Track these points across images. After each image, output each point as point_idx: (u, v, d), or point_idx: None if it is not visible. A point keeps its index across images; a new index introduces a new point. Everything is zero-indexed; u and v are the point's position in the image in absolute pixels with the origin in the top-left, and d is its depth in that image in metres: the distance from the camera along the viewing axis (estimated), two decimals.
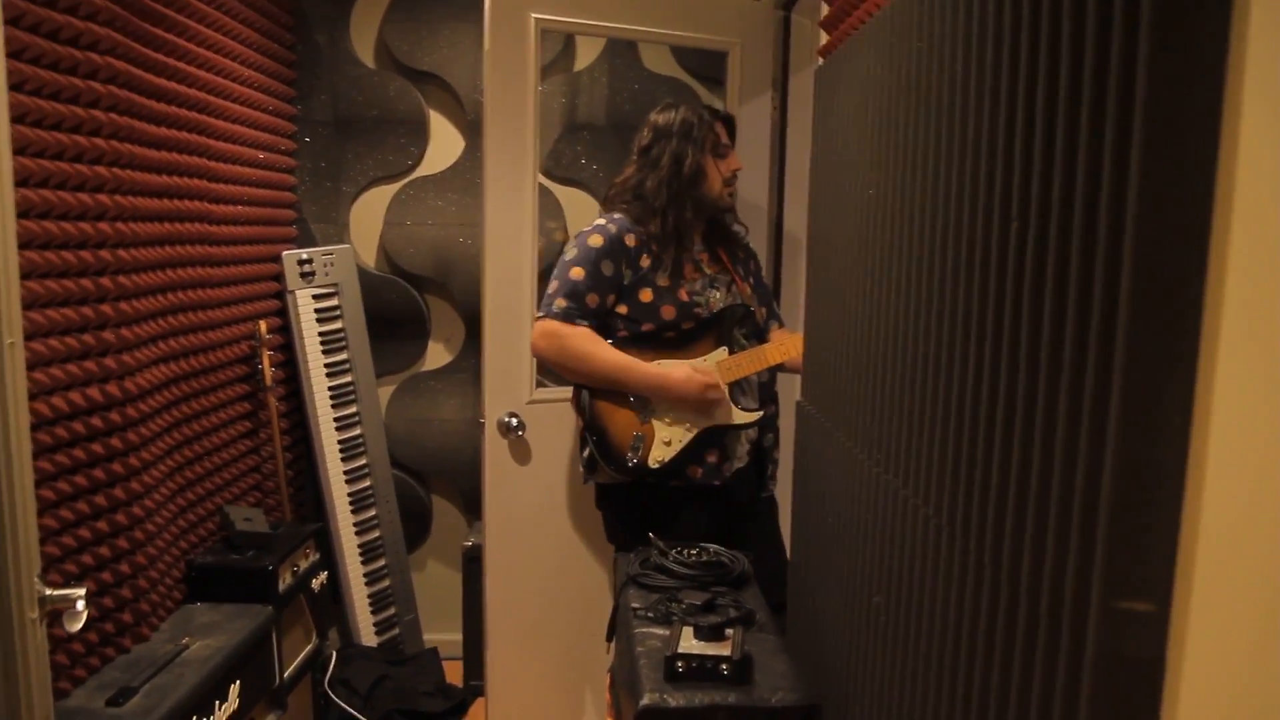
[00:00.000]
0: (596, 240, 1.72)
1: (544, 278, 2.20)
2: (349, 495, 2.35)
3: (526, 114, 1.98)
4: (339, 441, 2.36)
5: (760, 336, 1.86)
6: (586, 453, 1.75)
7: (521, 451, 2.09)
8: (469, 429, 2.60)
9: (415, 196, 2.51)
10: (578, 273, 1.69)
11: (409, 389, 2.59)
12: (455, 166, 2.51)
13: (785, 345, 1.74)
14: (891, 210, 0.82)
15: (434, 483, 2.69)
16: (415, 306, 2.55)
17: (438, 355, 2.62)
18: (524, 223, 2.03)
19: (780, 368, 1.84)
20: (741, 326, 1.83)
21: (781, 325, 1.95)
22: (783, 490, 1.81)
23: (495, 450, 2.06)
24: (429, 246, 2.52)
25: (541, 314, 1.70)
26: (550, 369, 1.80)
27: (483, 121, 1.97)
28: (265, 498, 2.20)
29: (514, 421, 2.03)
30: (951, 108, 0.67)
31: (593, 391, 1.71)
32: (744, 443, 1.78)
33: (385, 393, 2.58)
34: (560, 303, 1.68)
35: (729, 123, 1.79)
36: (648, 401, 1.70)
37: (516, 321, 2.04)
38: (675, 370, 1.67)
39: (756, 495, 1.83)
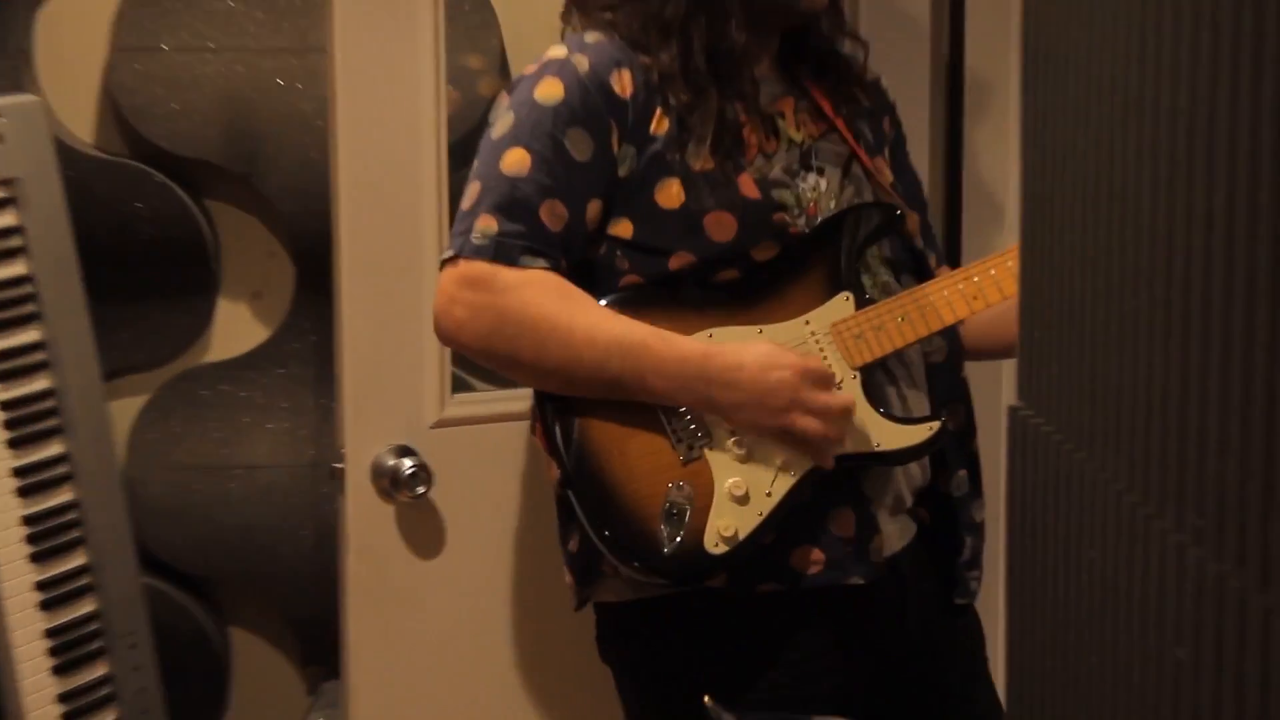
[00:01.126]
0: (551, 90, 1.77)
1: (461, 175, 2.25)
2: (47, 634, 2.36)
3: None
4: (23, 519, 2.37)
5: (917, 268, 1.92)
6: (572, 542, 1.81)
7: (424, 527, 2.14)
8: (311, 487, 2.65)
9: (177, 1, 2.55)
10: (516, 160, 1.75)
11: (175, 403, 2.65)
12: None
13: (979, 281, 1.79)
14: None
15: (234, 601, 2.73)
16: (186, 228, 2.60)
17: (237, 329, 2.68)
18: (418, 53, 2.09)
19: (958, 342, 1.89)
20: (885, 247, 1.89)
21: (941, 264, 2.01)
22: (993, 590, 1.87)
23: (368, 528, 2.12)
24: (212, 99, 2.57)
25: (450, 252, 1.77)
26: (478, 361, 1.86)
27: None
28: None
29: (407, 466, 2.09)
30: None
31: (572, 404, 1.76)
32: (905, 491, 1.84)
33: (124, 412, 2.63)
34: (485, 224, 1.73)
35: None
36: (694, 419, 1.75)
37: (407, 259, 2.10)
38: (747, 352, 1.72)
39: (943, 605, 1.90)
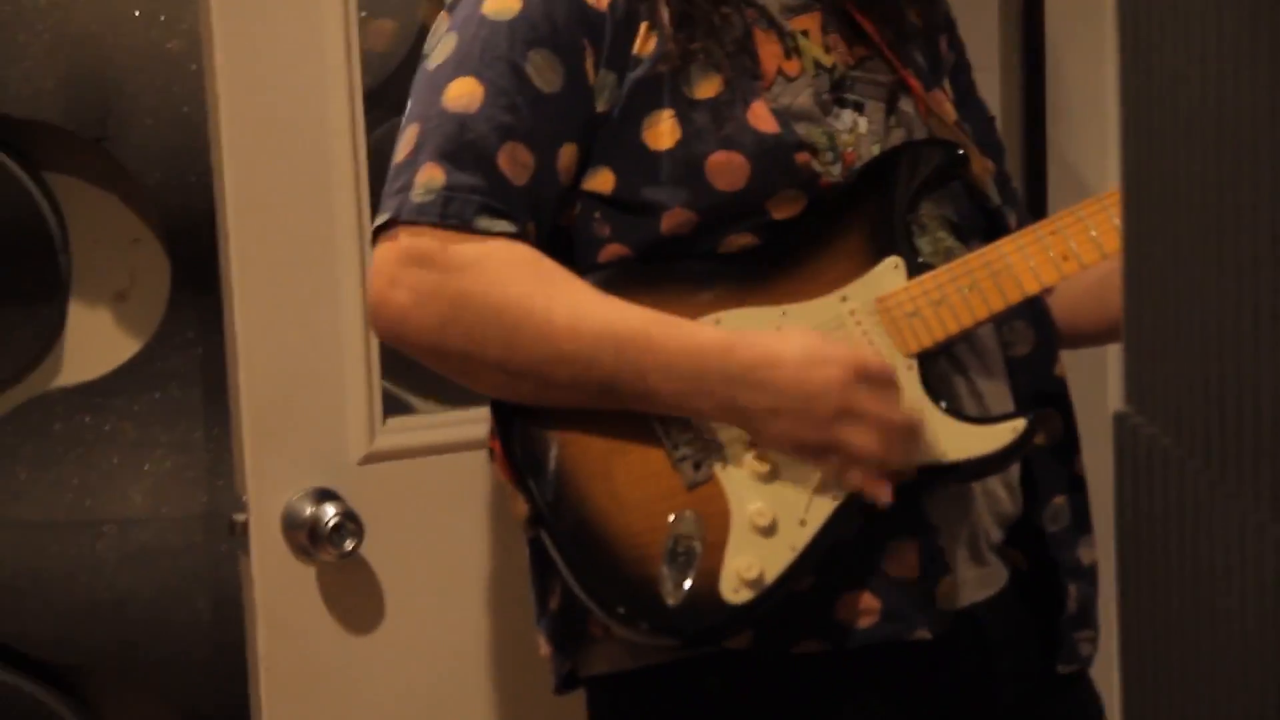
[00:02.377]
0: (506, 2, 1.77)
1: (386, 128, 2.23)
2: None
3: None
4: None
5: (991, 230, 1.90)
6: (551, 601, 1.81)
7: (354, 593, 2.15)
8: (203, 542, 2.66)
9: None
10: (465, 92, 1.75)
11: (19, 441, 2.66)
12: None
13: (1068, 234, 1.76)
14: None
15: (108, 696, 2.75)
16: (21, 210, 2.60)
17: (96, 343, 2.69)
18: None
19: (1049, 326, 1.90)
20: (944, 202, 1.88)
21: (1023, 222, 1.99)
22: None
23: (282, 596, 2.12)
24: (47, 39, 2.57)
25: (385, 217, 1.75)
26: (427, 361, 1.82)
27: None
28: None
29: (330, 514, 2.10)
30: None
31: (541, 417, 1.76)
32: (988, 522, 1.84)
33: None
34: (430, 176, 1.73)
35: None
36: (699, 428, 1.75)
37: (317, 242, 2.11)
38: (782, 343, 1.71)
39: (1044, 676, 1.89)
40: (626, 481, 1.73)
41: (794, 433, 1.69)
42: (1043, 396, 1.88)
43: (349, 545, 2.09)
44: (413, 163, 1.73)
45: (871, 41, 1.88)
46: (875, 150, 1.83)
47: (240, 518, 2.11)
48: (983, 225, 1.89)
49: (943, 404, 1.75)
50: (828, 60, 1.84)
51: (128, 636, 2.66)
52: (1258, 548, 1.03)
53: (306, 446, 2.12)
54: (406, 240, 1.71)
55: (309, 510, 2.10)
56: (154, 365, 2.67)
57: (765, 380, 1.67)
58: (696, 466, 1.72)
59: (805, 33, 1.85)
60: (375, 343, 2.13)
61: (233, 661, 2.26)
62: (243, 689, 2.17)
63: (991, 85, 2.24)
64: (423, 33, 2.53)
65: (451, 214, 1.69)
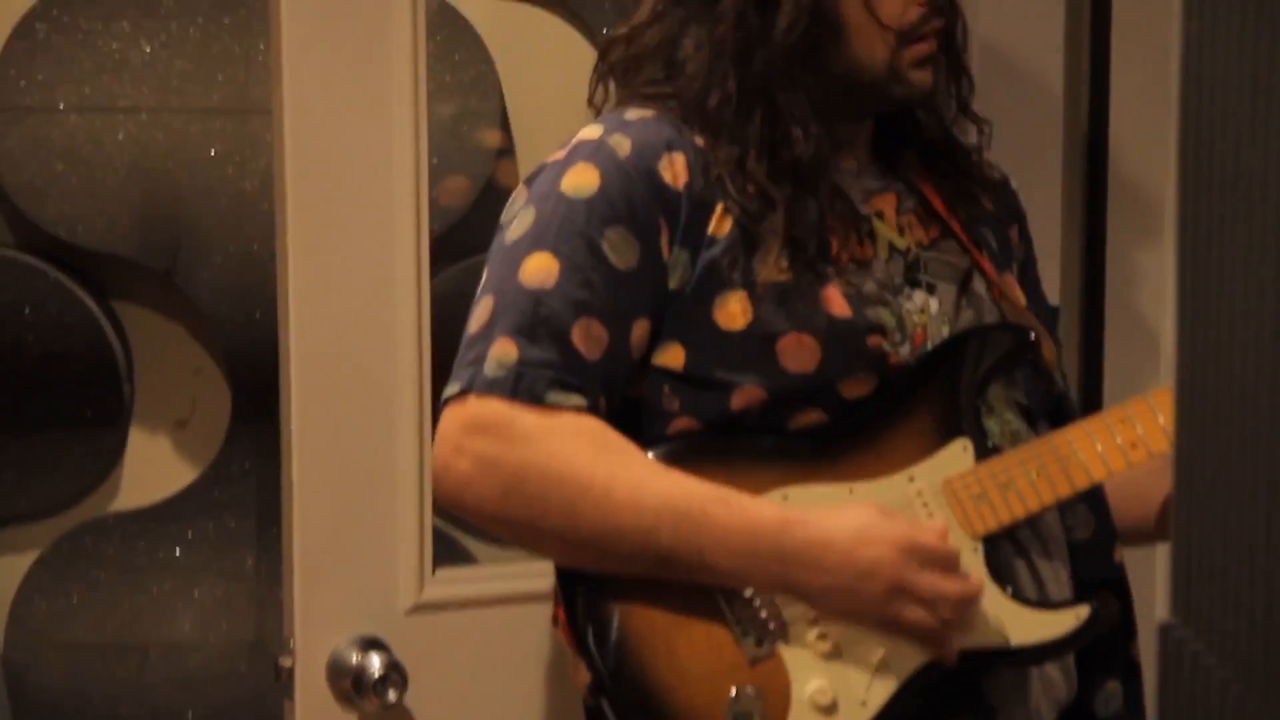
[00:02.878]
0: (584, 180, 1.79)
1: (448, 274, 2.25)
2: None
3: None
4: None
5: (1057, 413, 1.92)
6: None
7: None
8: (249, 671, 2.65)
9: (76, 32, 2.57)
10: (541, 268, 1.76)
11: (72, 562, 2.66)
12: None
13: (1136, 420, 1.77)
14: None
15: None
16: (89, 338, 2.63)
17: (155, 469, 2.70)
18: (391, 117, 2.11)
19: (1107, 513, 1.89)
20: (1013, 385, 1.89)
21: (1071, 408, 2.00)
22: None
23: None
24: (123, 174, 2.59)
25: (457, 388, 1.77)
26: (488, 529, 1.86)
27: None
28: None
29: (376, 664, 2.09)
30: None
31: (608, 586, 1.76)
32: (1043, 706, 1.83)
33: (7, 572, 2.65)
34: (503, 351, 1.74)
35: None
36: (763, 604, 1.75)
37: (376, 388, 2.12)
38: (835, 521, 1.71)
39: None
40: (689, 654, 1.73)
41: (849, 608, 1.70)
42: (1101, 579, 1.87)
43: (393, 696, 2.08)
44: (487, 336, 1.74)
45: (945, 221, 1.90)
46: (945, 331, 1.85)
47: (286, 663, 2.11)
48: (1050, 409, 1.91)
49: (1009, 589, 1.76)
50: (901, 243, 1.87)
51: None
52: None
53: (356, 593, 2.11)
54: (475, 408, 1.72)
55: (355, 659, 2.09)
56: (210, 494, 2.68)
57: (817, 560, 1.69)
58: (759, 643, 1.73)
59: (880, 214, 1.87)
60: (429, 492, 2.12)
61: None
62: None
63: (1051, 263, 2.25)
64: (490, 186, 2.58)
65: (523, 389, 1.71)
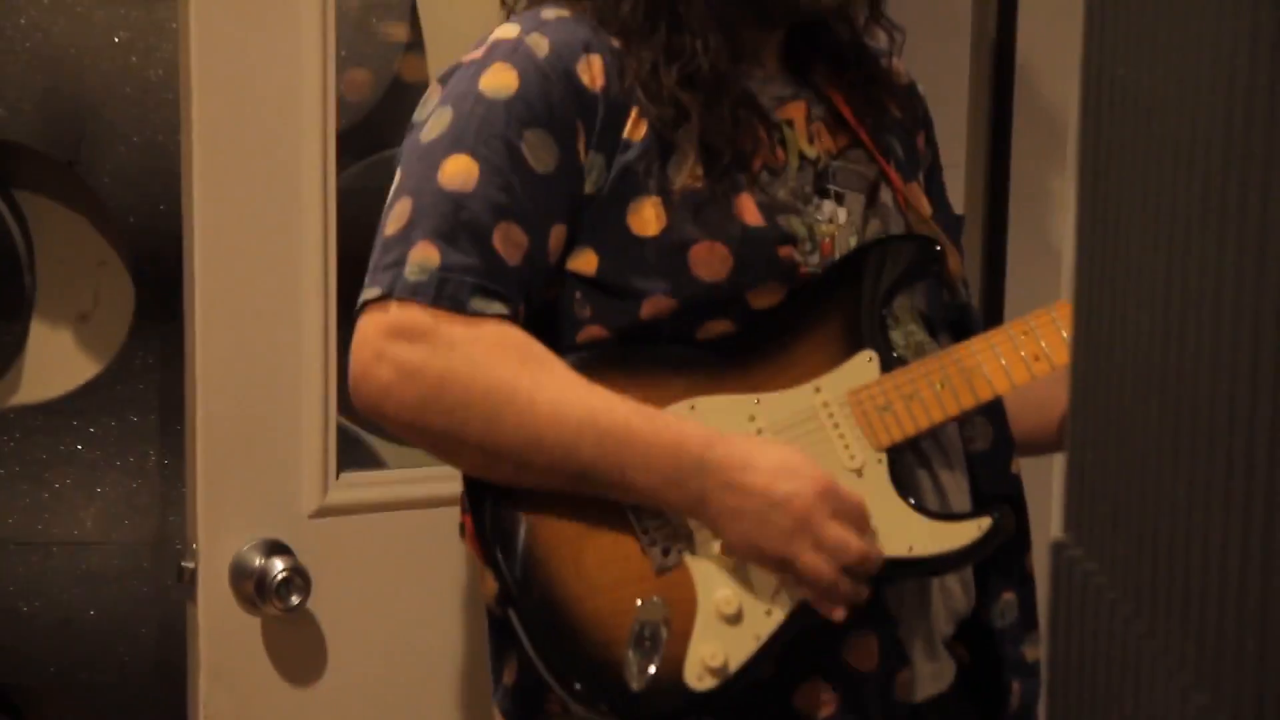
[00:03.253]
0: (499, 79, 1.77)
1: (368, 192, 2.22)
2: None
3: None
4: None
5: (960, 325, 1.93)
6: (508, 671, 1.81)
7: (299, 647, 2.15)
8: (152, 570, 2.66)
9: None
10: (460, 170, 1.74)
11: None
12: None
13: (1039, 333, 1.79)
14: None
15: (49, 714, 2.75)
16: None
17: (57, 363, 2.69)
18: (297, 4, 2.10)
19: (1005, 425, 1.91)
20: (916, 296, 1.90)
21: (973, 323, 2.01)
22: None
23: (227, 645, 2.12)
24: (23, 61, 2.57)
25: (377, 291, 1.73)
26: (405, 437, 1.81)
27: None
28: None
29: (278, 568, 2.10)
30: None
31: (516, 497, 1.75)
32: (943, 616, 1.85)
33: None
34: (424, 255, 1.71)
35: None
36: (674, 517, 1.75)
37: (281, 283, 2.12)
38: (760, 450, 1.71)
39: None
40: (596, 564, 1.73)
41: (752, 537, 1.69)
42: (998, 491, 1.89)
43: (295, 600, 2.09)
44: (406, 239, 1.71)
45: (854, 130, 1.89)
46: (852, 242, 1.84)
47: (188, 565, 2.11)
48: (952, 320, 1.91)
49: (911, 500, 1.77)
50: (811, 151, 1.86)
51: (71, 658, 2.65)
52: (1180, 707, 1.04)
53: (259, 496, 2.12)
54: (396, 314, 1.69)
55: (258, 562, 2.10)
56: (113, 389, 2.66)
57: (735, 481, 1.68)
58: (666, 552, 1.73)
59: (790, 122, 1.86)
60: (334, 395, 2.14)
61: (174, 690, 2.25)
62: (183, 714, 2.17)
63: (957, 182, 2.27)
64: (396, 83, 2.55)
65: (446, 295, 1.68)
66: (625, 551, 1.73)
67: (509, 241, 1.72)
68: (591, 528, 1.73)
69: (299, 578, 2.10)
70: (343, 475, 2.17)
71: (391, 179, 1.80)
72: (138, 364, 2.66)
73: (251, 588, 2.10)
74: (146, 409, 2.66)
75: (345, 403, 2.14)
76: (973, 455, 1.89)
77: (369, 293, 1.72)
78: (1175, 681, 1.06)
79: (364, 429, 2.45)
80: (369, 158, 2.52)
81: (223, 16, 2.06)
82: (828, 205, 1.84)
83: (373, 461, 2.43)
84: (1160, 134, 1.12)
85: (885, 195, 1.89)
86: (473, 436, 1.70)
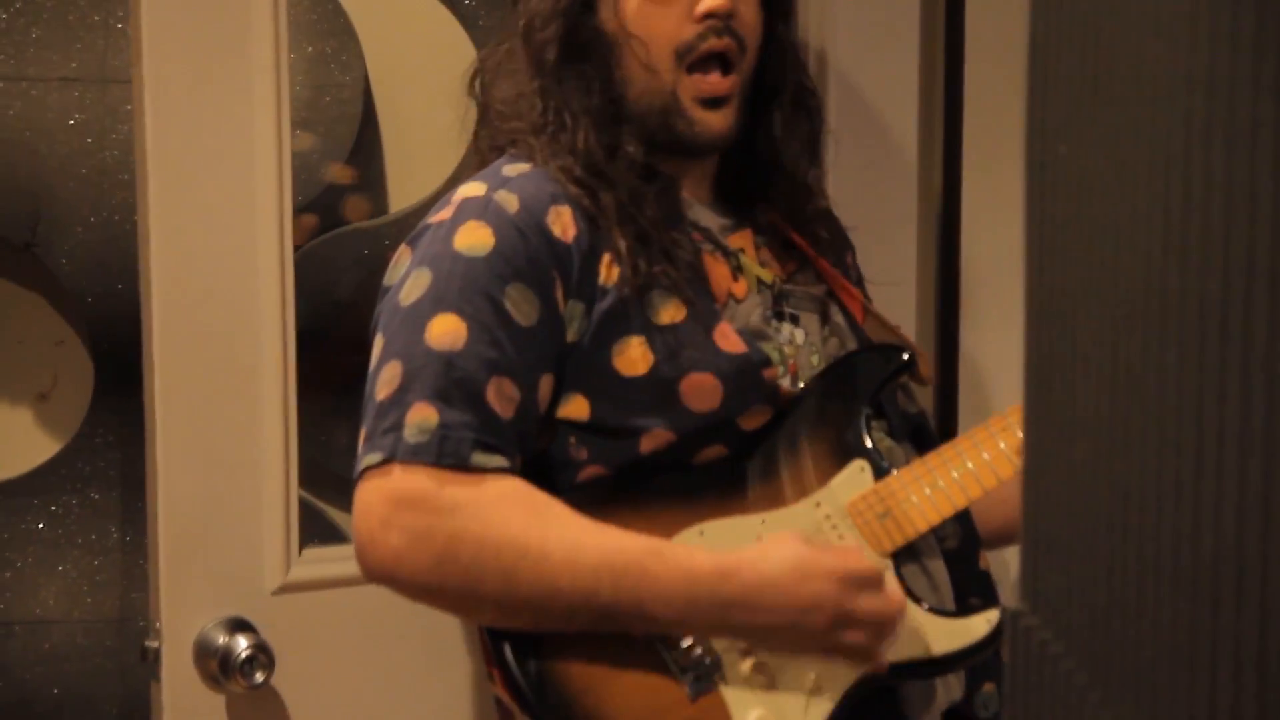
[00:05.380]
0: (474, 238, 1.78)
1: (321, 265, 2.25)
2: None
3: None
4: None
5: (919, 432, 1.97)
6: None
7: None
8: (115, 648, 2.65)
9: None
10: (448, 330, 1.74)
11: None
12: None
13: (1014, 432, 1.82)
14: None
15: None
16: None
17: (17, 442, 2.68)
18: (251, 82, 2.11)
19: (971, 524, 1.94)
20: (884, 406, 1.93)
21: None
22: None
23: None
24: None
25: (376, 458, 1.72)
26: (420, 600, 1.78)
27: None
28: None
29: (242, 646, 2.08)
30: None
31: (543, 640, 1.75)
32: (941, 701, 1.88)
33: None
34: (420, 416, 1.71)
35: None
36: (698, 642, 1.76)
37: (241, 360, 2.12)
38: (767, 553, 1.72)
39: None
40: (632, 697, 1.75)
41: (793, 644, 1.74)
42: (971, 588, 1.92)
43: (259, 677, 2.08)
44: (401, 401, 1.72)
45: (800, 253, 1.92)
46: (815, 360, 1.89)
47: (152, 644, 2.10)
48: (910, 429, 1.96)
49: (925, 604, 1.80)
50: (767, 276, 1.90)
51: None
52: None
53: (222, 573, 2.11)
54: (400, 478, 1.69)
55: (221, 640, 2.09)
56: (73, 467, 2.65)
57: (758, 603, 1.71)
58: (698, 679, 1.74)
59: (742, 250, 1.89)
60: (294, 472, 2.14)
61: None
62: None
63: (909, 300, 2.33)
64: (355, 154, 2.57)
65: (448, 453, 1.69)
66: (658, 683, 1.74)
67: (502, 396, 1.73)
68: (621, 664, 1.74)
69: (263, 655, 2.09)
70: (305, 550, 2.17)
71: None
72: (98, 441, 2.65)
73: (215, 666, 2.09)
74: (108, 486, 2.66)
75: (306, 476, 2.16)
76: (945, 553, 1.91)
77: (370, 459, 1.71)
78: None
79: (326, 503, 2.44)
80: (324, 234, 2.52)
81: (177, 97, 2.06)
82: (785, 328, 1.89)
83: (335, 536, 2.43)
84: (1101, 214, 1.14)
85: (836, 313, 1.93)
86: (490, 593, 1.71)
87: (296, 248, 2.18)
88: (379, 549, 1.69)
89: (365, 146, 2.64)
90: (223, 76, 2.09)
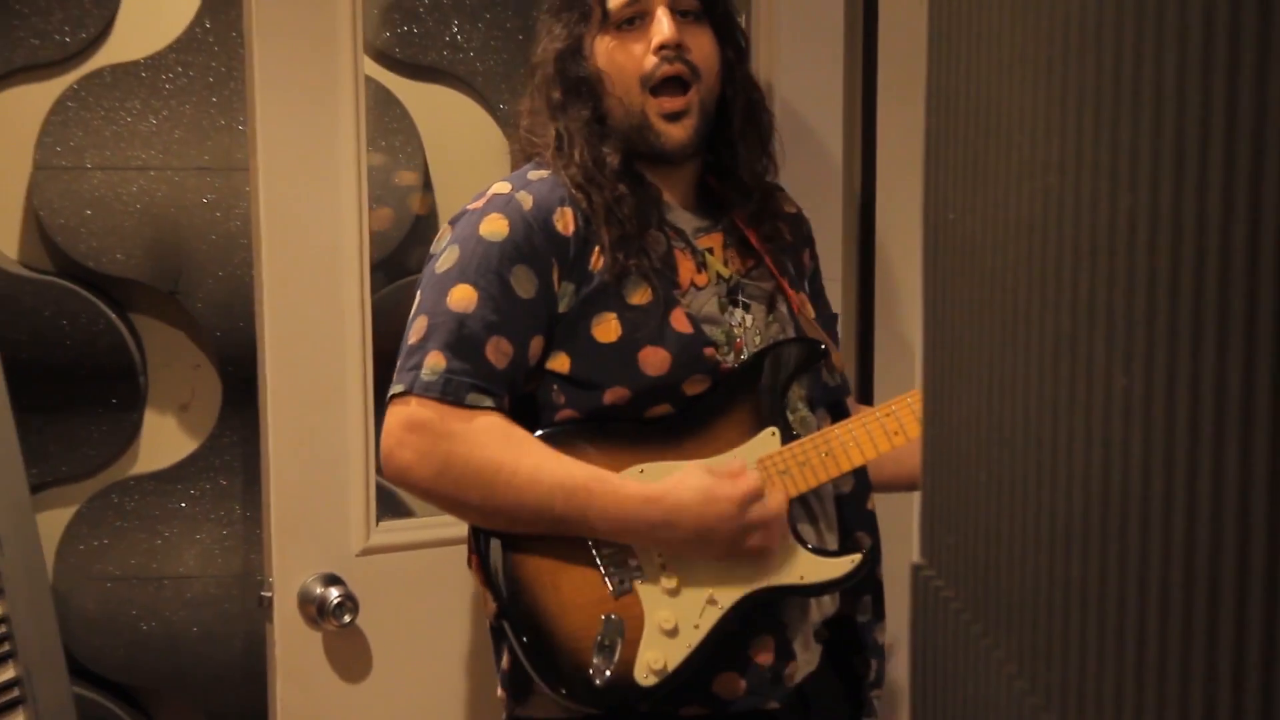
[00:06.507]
0: (494, 226, 1.79)
1: (387, 293, 2.25)
2: None
3: None
4: None
5: (834, 404, 1.95)
6: (504, 661, 1.82)
7: (351, 654, 2.15)
8: (238, 597, 2.65)
9: (99, 110, 2.55)
10: (464, 297, 1.76)
11: (103, 514, 2.64)
12: (183, 44, 2.56)
13: (899, 415, 1.82)
14: (1094, 220, 0.89)
15: (164, 709, 2.72)
16: (112, 342, 2.60)
17: (164, 441, 2.68)
18: (339, 171, 2.11)
19: (865, 476, 1.94)
20: (804, 382, 1.91)
21: (847, 395, 2.04)
22: (895, 699, 1.90)
23: (296, 654, 2.12)
24: (136, 217, 2.56)
25: (400, 388, 1.77)
26: (424, 500, 1.84)
27: None
28: None
29: (334, 595, 2.10)
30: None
31: (508, 539, 1.78)
32: (816, 619, 1.87)
33: (52, 524, 2.62)
34: (434, 361, 1.74)
35: None
36: (627, 552, 1.77)
37: (332, 380, 2.12)
38: (682, 484, 1.74)
39: (850, 717, 1.95)
40: (569, 590, 1.76)
41: (707, 554, 1.75)
42: (859, 523, 1.93)
43: (347, 619, 2.09)
44: (423, 348, 1.75)
45: (758, 254, 1.91)
46: (758, 341, 1.87)
47: (266, 595, 2.11)
48: (830, 400, 1.94)
49: (808, 545, 1.81)
50: (726, 272, 1.88)
51: (179, 665, 2.63)
52: (1007, 693, 1.05)
53: (319, 541, 2.12)
54: (414, 409, 1.73)
55: (318, 590, 2.10)
56: (207, 460, 2.65)
57: (676, 523, 1.72)
58: (621, 581, 1.76)
59: (711, 250, 1.88)
60: (372, 463, 2.14)
61: (257, 688, 2.25)
62: (262, 704, 2.18)
63: (836, 291, 2.30)
64: (417, 221, 2.57)
65: (450, 393, 1.72)
66: (590, 580, 1.76)
67: (498, 351, 1.74)
68: (565, 562, 1.76)
69: (350, 602, 2.10)
70: (381, 523, 2.18)
71: (409, 300, 1.83)
72: (225, 441, 2.65)
73: (314, 610, 2.10)
74: (232, 475, 2.65)
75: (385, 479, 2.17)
76: (840, 496, 1.91)
77: (395, 388, 1.76)
78: (1003, 671, 1.08)
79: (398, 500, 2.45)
80: (396, 282, 2.53)
81: (282, 182, 2.08)
82: (738, 313, 1.87)
83: (404, 511, 2.43)
84: (980, 265, 1.14)
85: (781, 304, 1.91)
86: (473, 500, 1.74)
87: (377, 259, 2.20)
88: (394, 460, 1.74)
89: (425, 215, 2.65)
90: (316, 166, 2.10)
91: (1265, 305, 0.71)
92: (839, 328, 2.12)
